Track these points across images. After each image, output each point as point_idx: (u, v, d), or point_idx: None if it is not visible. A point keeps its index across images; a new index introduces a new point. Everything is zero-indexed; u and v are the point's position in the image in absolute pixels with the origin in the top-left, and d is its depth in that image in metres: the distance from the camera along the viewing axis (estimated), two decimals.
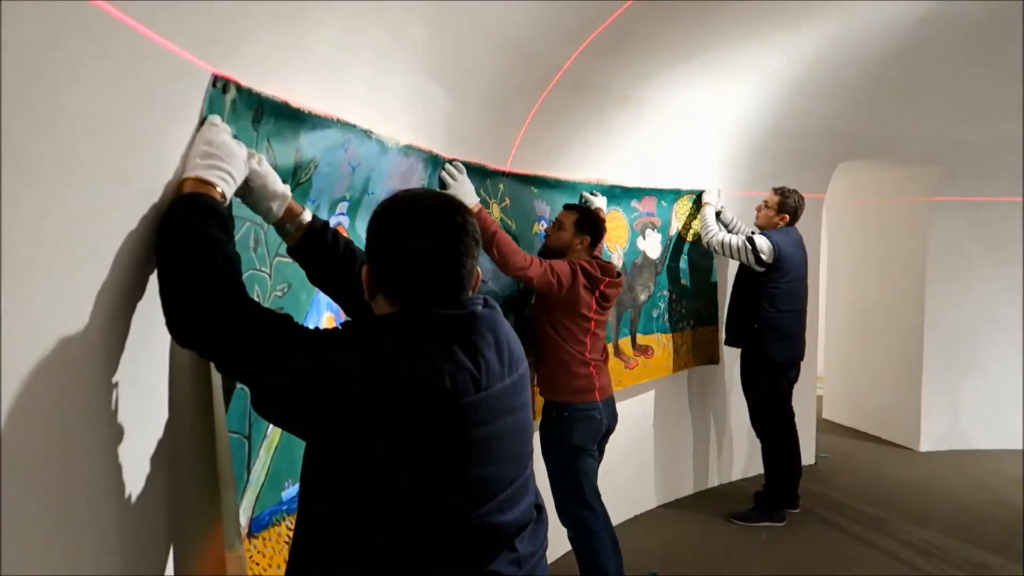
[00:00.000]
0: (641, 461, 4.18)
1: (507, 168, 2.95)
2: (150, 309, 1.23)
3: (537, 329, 2.95)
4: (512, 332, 1.30)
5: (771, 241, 3.93)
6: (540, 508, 1.31)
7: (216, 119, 1.33)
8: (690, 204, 4.25)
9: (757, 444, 4.25)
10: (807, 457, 4.77)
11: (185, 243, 1.19)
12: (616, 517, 3.13)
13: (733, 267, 4.32)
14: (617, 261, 3.72)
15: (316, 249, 1.48)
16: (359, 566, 1.13)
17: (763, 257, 3.92)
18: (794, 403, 4.18)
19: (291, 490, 1.67)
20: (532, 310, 3.02)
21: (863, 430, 5.86)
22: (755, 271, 3.99)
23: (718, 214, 4.24)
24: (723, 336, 4.37)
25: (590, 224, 2.95)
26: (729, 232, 4.17)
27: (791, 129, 4.50)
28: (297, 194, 1.65)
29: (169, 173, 1.25)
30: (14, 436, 0.92)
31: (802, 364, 4.20)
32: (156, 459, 1.34)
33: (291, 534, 1.60)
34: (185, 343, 1.20)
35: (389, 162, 2.08)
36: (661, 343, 4.08)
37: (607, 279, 2.91)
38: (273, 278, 1.64)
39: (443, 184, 2.45)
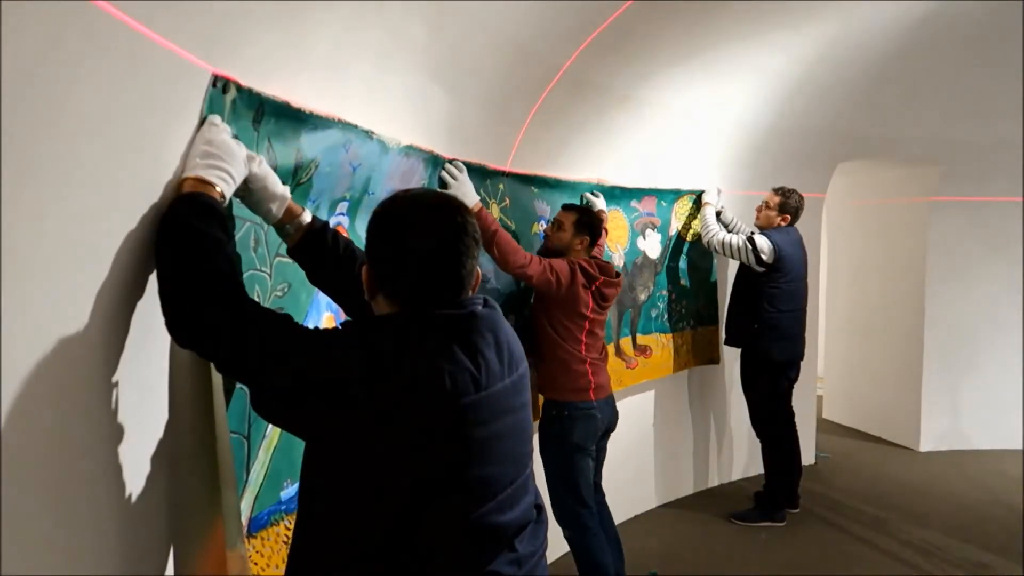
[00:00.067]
0: (641, 461, 4.18)
1: (507, 168, 2.95)
2: (150, 309, 1.23)
3: (536, 328, 2.95)
4: (512, 332, 1.30)
5: (771, 241, 3.93)
6: (540, 508, 1.31)
7: (216, 119, 1.33)
8: (690, 204, 4.25)
9: (757, 444, 4.25)
10: (807, 457, 4.78)
11: (185, 243, 1.19)
12: (616, 517, 3.14)
13: (733, 267, 4.32)
14: (618, 261, 3.72)
15: (316, 249, 1.48)
16: (359, 566, 1.13)
17: (763, 257, 3.92)
18: (794, 403, 4.18)
19: (290, 490, 1.67)
20: (531, 309, 3.03)
21: (863, 430, 5.86)
22: (755, 271, 3.99)
23: (718, 214, 4.24)
24: (723, 336, 4.37)
25: (589, 224, 2.96)
26: (729, 232, 4.17)
27: (791, 129, 4.50)
28: (297, 194, 1.66)
29: (169, 173, 1.25)
30: (14, 436, 0.92)
31: (802, 364, 4.20)
32: (156, 459, 1.34)
33: (290, 534, 1.60)
34: (185, 343, 1.20)
35: (390, 162, 2.08)
36: (660, 343, 4.08)
37: (605, 278, 2.92)
38: (273, 278, 1.64)
39: (443, 184, 2.45)
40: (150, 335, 1.28)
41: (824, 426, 5.80)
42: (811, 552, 3.73)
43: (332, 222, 1.90)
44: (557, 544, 2.95)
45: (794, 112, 4.36)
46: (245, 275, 1.51)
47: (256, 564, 1.55)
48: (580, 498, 2.85)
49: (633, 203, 3.85)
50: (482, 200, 2.67)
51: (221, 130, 1.32)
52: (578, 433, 2.85)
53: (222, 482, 1.53)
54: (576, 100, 3.08)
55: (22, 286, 0.92)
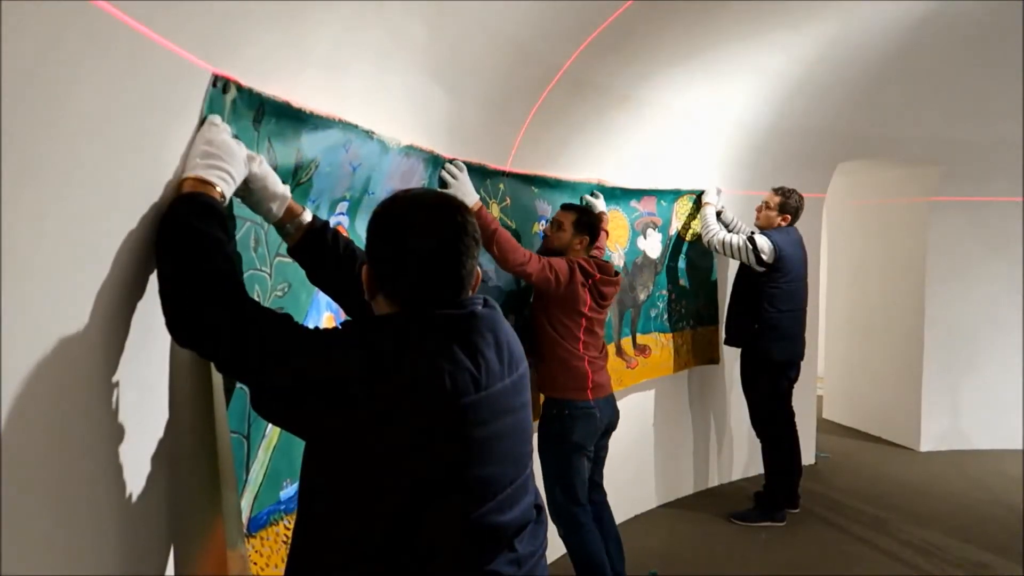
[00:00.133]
0: (641, 461, 4.18)
1: (507, 168, 2.95)
2: (150, 309, 1.23)
3: (536, 327, 2.96)
4: (512, 332, 1.30)
5: (771, 241, 3.93)
6: (540, 508, 1.31)
7: (216, 119, 1.33)
8: (691, 204, 4.25)
9: (757, 444, 4.25)
10: (807, 457, 4.78)
11: (185, 243, 1.19)
12: (617, 517, 3.14)
13: (733, 267, 4.32)
14: (618, 261, 3.72)
15: (316, 249, 1.48)
16: (359, 566, 1.13)
17: (763, 257, 3.93)
18: (794, 403, 4.18)
19: (289, 490, 1.67)
20: (530, 308, 3.03)
21: (863, 430, 5.86)
22: (755, 271, 3.99)
23: (718, 214, 4.24)
24: (723, 336, 4.37)
25: (588, 224, 2.98)
26: (730, 232, 4.17)
27: (791, 129, 4.50)
28: (297, 194, 1.66)
29: (169, 173, 1.25)
30: (14, 436, 0.92)
31: (802, 364, 4.20)
32: (156, 459, 1.34)
33: (289, 534, 1.61)
34: (185, 343, 1.20)
35: (390, 162, 2.08)
36: (659, 343, 4.08)
37: (604, 277, 2.93)
38: (273, 278, 1.64)
39: (443, 183, 2.45)
40: (150, 335, 1.28)
41: (824, 426, 5.80)
42: (811, 552, 3.73)
43: (332, 222, 1.91)
44: (557, 544, 2.95)
45: (794, 112, 4.36)
46: (245, 275, 1.51)
47: (256, 564, 1.55)
48: (574, 497, 2.87)
49: (633, 203, 3.85)
50: (483, 200, 2.68)
51: (221, 130, 1.32)
52: (578, 432, 2.86)
53: (222, 482, 1.53)
54: (576, 100, 3.08)
55: (22, 286, 0.92)
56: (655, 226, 4.02)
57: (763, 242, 3.92)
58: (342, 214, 1.99)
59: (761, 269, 3.96)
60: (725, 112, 4.12)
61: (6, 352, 0.90)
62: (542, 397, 2.99)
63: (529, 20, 2.46)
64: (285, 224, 1.45)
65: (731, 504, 4.27)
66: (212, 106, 1.34)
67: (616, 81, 3.23)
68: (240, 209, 1.48)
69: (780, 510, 4.07)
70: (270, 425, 1.58)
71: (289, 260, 1.55)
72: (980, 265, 5.36)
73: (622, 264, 3.77)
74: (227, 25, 1.33)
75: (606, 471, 3.13)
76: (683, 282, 4.26)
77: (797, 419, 4.18)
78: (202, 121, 1.32)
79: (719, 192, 4.26)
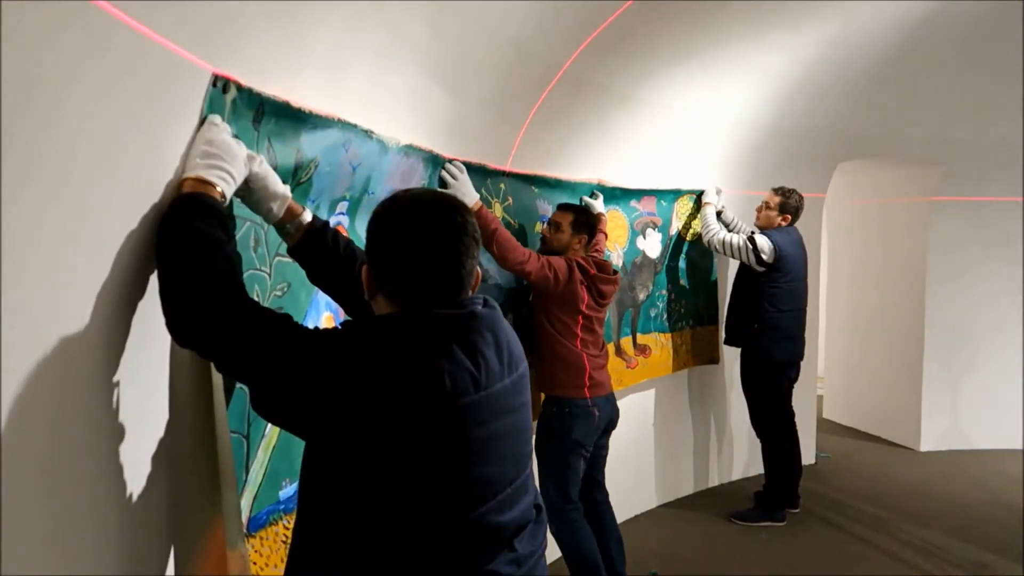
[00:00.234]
0: (641, 461, 4.18)
1: (507, 168, 2.95)
2: (150, 309, 1.23)
3: (535, 326, 2.97)
4: (512, 332, 1.30)
5: (772, 241, 3.93)
6: (539, 508, 1.31)
7: (216, 119, 1.33)
8: (691, 204, 4.25)
9: (757, 444, 4.25)
10: (807, 457, 4.77)
11: (185, 243, 1.19)
12: (617, 516, 3.14)
13: (733, 267, 4.32)
14: (617, 260, 3.73)
15: (316, 249, 1.48)
16: (358, 566, 1.13)
17: (764, 257, 3.93)
18: (794, 403, 4.18)
19: (288, 489, 1.67)
20: (529, 307, 3.04)
21: (863, 430, 5.86)
22: (755, 271, 3.99)
23: (719, 214, 4.24)
24: (723, 336, 4.37)
25: (586, 223, 3.00)
26: (730, 232, 4.18)
27: (791, 129, 4.50)
28: (297, 194, 1.66)
29: (169, 173, 1.25)
30: (14, 436, 0.92)
31: (802, 364, 4.20)
32: (156, 459, 1.34)
33: (288, 533, 1.61)
34: (185, 343, 1.20)
35: (389, 162, 2.08)
36: (659, 342, 4.08)
37: (603, 275, 2.94)
38: (273, 278, 1.65)
39: (443, 183, 2.46)
40: (150, 335, 1.28)
41: (824, 426, 5.79)
42: (811, 552, 3.73)
43: (332, 222, 1.91)
44: (557, 544, 2.95)
45: (794, 112, 4.36)
46: (245, 275, 1.51)
47: (255, 564, 1.55)
48: (567, 495, 2.88)
49: (633, 203, 3.85)
50: (485, 200, 2.69)
51: (221, 130, 1.32)
52: (577, 430, 2.87)
53: (222, 482, 1.53)
54: (576, 100, 3.08)
55: (22, 286, 0.92)
56: (655, 226, 4.02)
57: (763, 242, 3.92)
58: (342, 214, 1.99)
59: (761, 269, 3.96)
60: (725, 112, 4.12)
61: (6, 352, 0.90)
62: (542, 396, 2.99)
63: (529, 20, 2.46)
64: (285, 224, 1.45)
65: (731, 504, 4.27)
66: (212, 106, 1.34)
67: (616, 81, 3.23)
68: (240, 209, 1.48)
69: (780, 510, 4.07)
70: (270, 425, 1.58)
71: (289, 260, 1.55)
72: (980, 265, 5.36)
73: (621, 264, 3.77)
74: (227, 25, 1.33)
75: (607, 471, 3.13)
76: (683, 282, 4.26)
77: (797, 419, 4.18)
78: (202, 121, 1.32)
79: (719, 192, 4.26)
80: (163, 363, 1.37)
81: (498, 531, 1.18)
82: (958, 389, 5.41)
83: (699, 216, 4.23)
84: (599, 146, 3.47)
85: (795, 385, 4.17)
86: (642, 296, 3.94)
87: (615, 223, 3.70)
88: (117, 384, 1.19)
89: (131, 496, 1.25)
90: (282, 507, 1.65)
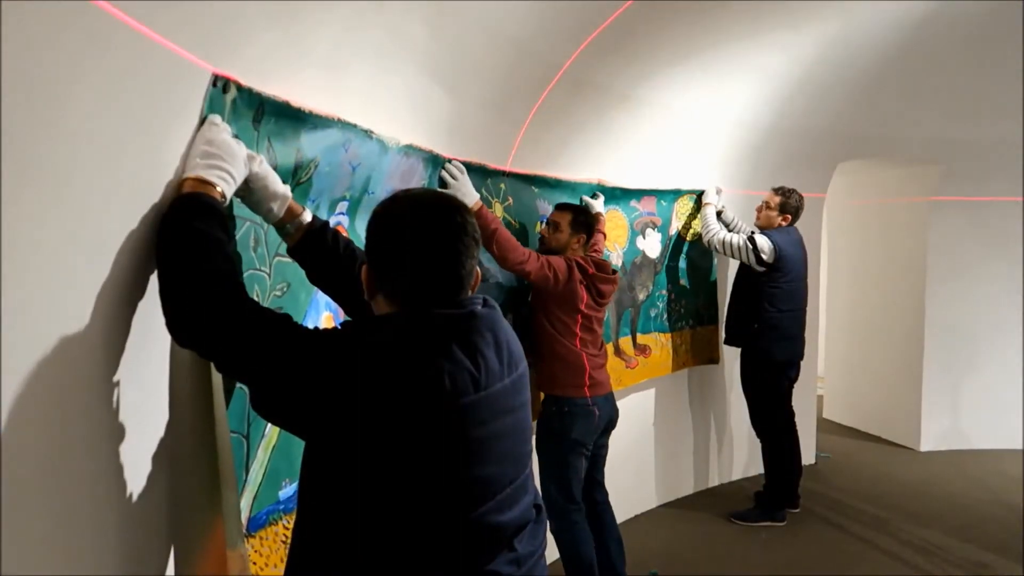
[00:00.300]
0: (641, 460, 4.18)
1: (507, 168, 2.96)
2: (150, 309, 1.23)
3: (534, 325, 2.98)
4: (511, 331, 1.30)
5: (772, 241, 3.93)
6: (539, 508, 1.31)
7: (216, 118, 1.33)
8: (691, 204, 4.25)
9: (757, 444, 4.25)
10: (807, 457, 4.78)
11: (185, 243, 1.19)
12: (617, 516, 3.14)
13: (733, 267, 4.32)
14: (616, 260, 3.73)
15: (316, 249, 1.48)
16: (358, 566, 1.13)
17: (764, 257, 3.93)
18: (794, 403, 4.18)
19: (288, 489, 1.67)
20: (529, 307, 3.04)
21: (863, 430, 5.86)
22: (755, 271, 3.99)
23: (719, 213, 4.24)
24: (723, 336, 4.38)
25: (585, 222, 3.01)
26: (730, 232, 4.18)
27: (791, 129, 4.50)
28: (297, 194, 1.66)
29: (169, 173, 1.25)
30: (14, 436, 0.92)
31: (802, 364, 4.20)
32: (156, 459, 1.34)
33: (288, 533, 1.61)
34: (185, 343, 1.20)
35: (389, 162, 2.08)
36: (659, 342, 4.08)
37: (601, 274, 2.95)
38: (272, 278, 1.65)
39: (443, 183, 2.46)
40: (150, 335, 1.28)
41: (824, 426, 5.79)
42: (811, 552, 3.73)
43: (332, 222, 1.91)
44: (555, 543, 2.95)
45: (794, 112, 4.36)
46: (245, 275, 1.51)
47: (255, 564, 1.55)
48: (570, 494, 2.87)
49: (633, 202, 3.85)
50: (485, 200, 2.69)
51: (221, 129, 1.32)
52: (577, 429, 2.87)
53: (222, 482, 1.53)
54: (576, 100, 3.08)
55: (22, 286, 0.92)
56: (655, 226, 4.02)
57: (763, 242, 3.92)
58: (342, 214, 1.99)
59: (761, 269, 3.96)
60: (725, 112, 4.12)
61: (6, 352, 0.90)
62: (541, 395, 2.99)
63: (529, 20, 2.46)
64: (285, 224, 1.45)
65: (731, 504, 4.27)
66: (212, 106, 1.34)
67: (616, 81, 3.23)
68: (240, 209, 1.48)
69: (780, 510, 4.07)
70: (269, 425, 1.58)
71: (288, 260, 1.55)
72: (980, 265, 5.36)
73: (620, 264, 3.77)
74: (227, 25, 1.33)
75: (607, 470, 3.13)
76: (683, 282, 4.26)
77: (797, 419, 4.18)
78: (202, 121, 1.32)
79: (719, 192, 4.26)
80: (163, 363, 1.37)
81: (498, 531, 1.18)
82: (958, 389, 5.41)
83: (699, 216, 4.23)
84: (599, 146, 3.47)
85: (795, 385, 4.17)
86: (642, 296, 3.94)
87: (615, 223, 3.70)
88: (117, 384, 1.19)
89: (131, 496, 1.25)
90: (282, 507, 1.65)
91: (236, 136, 1.37)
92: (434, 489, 1.13)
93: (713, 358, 4.51)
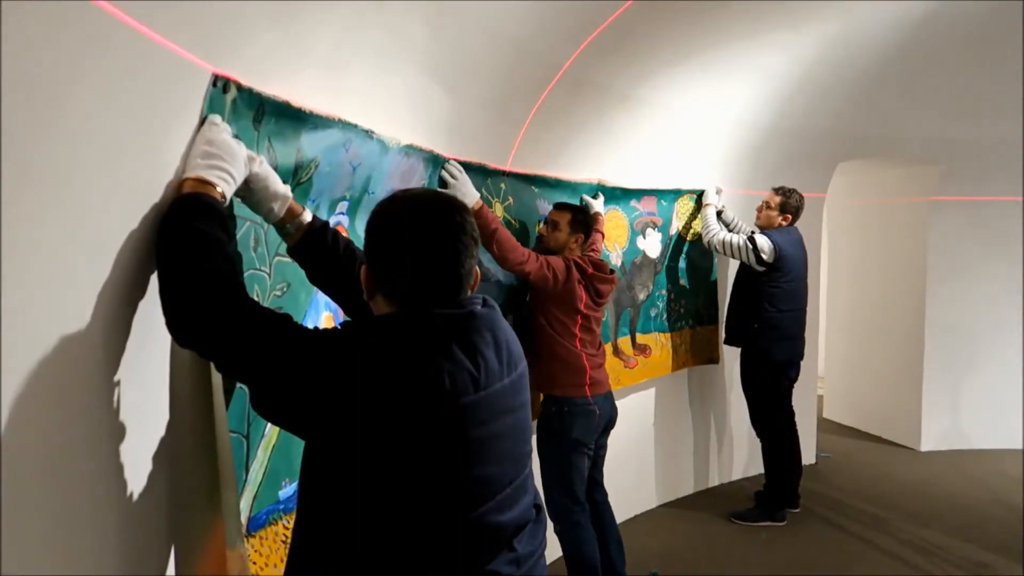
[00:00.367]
0: (641, 460, 4.18)
1: (507, 168, 2.96)
2: (151, 309, 1.23)
3: (533, 326, 2.98)
4: (511, 331, 1.30)
5: (772, 241, 3.94)
6: (539, 508, 1.31)
7: (216, 118, 1.33)
8: (691, 204, 4.25)
9: (757, 444, 4.25)
10: (807, 457, 4.77)
11: (185, 243, 1.19)
12: (617, 516, 3.14)
13: (733, 267, 4.32)
14: (615, 260, 3.73)
15: (316, 249, 1.48)
16: (358, 566, 1.13)
17: (764, 257, 3.93)
18: (794, 403, 4.18)
19: (288, 489, 1.67)
20: (528, 307, 3.04)
21: (864, 430, 5.86)
22: (755, 271, 3.99)
23: (719, 213, 4.24)
24: (723, 335, 4.38)
25: (583, 222, 3.01)
26: (731, 232, 4.18)
27: (791, 129, 4.50)
28: (297, 194, 1.66)
29: (169, 173, 1.25)
30: (14, 436, 0.92)
31: (802, 364, 4.20)
32: (156, 459, 1.34)
33: (288, 533, 1.61)
34: (185, 343, 1.20)
35: (390, 162, 2.08)
36: (659, 342, 4.09)
37: (599, 274, 2.96)
38: (272, 277, 1.65)
39: (443, 184, 2.46)
40: (151, 335, 1.28)
41: (824, 426, 5.79)
42: (811, 552, 3.73)
43: (332, 222, 1.91)
44: (556, 544, 2.95)
45: (794, 112, 4.36)
46: (245, 274, 1.51)
47: (255, 563, 1.55)
48: (573, 495, 2.87)
49: (633, 203, 3.85)
50: (485, 200, 2.70)
51: (221, 129, 1.32)
52: (577, 429, 2.87)
53: (222, 482, 1.53)
54: (576, 100, 3.08)
55: (22, 286, 0.92)
56: (655, 226, 4.02)
57: (763, 242, 3.93)
58: (342, 214, 1.99)
59: (761, 269, 3.96)
60: (725, 112, 4.12)
61: (6, 352, 0.90)
62: (541, 396, 2.99)
63: (529, 20, 2.46)
64: (285, 224, 1.45)
65: (731, 504, 4.27)
66: (212, 106, 1.34)
67: (616, 81, 3.23)
68: (240, 209, 1.48)
69: (780, 510, 4.07)
70: (269, 425, 1.58)
71: (288, 260, 1.55)
72: (980, 265, 5.36)
73: (620, 264, 3.77)
74: (227, 25, 1.33)
75: (606, 470, 3.13)
76: (683, 282, 4.26)
77: (797, 419, 4.18)
78: (202, 121, 1.32)
79: (719, 192, 4.26)
80: (163, 363, 1.37)
81: (498, 531, 1.18)
82: (958, 389, 5.41)
83: (699, 216, 4.23)
84: (599, 146, 3.47)
85: (795, 385, 4.17)
86: (642, 296, 3.95)
87: (615, 223, 3.70)
88: (117, 384, 1.19)
89: (131, 496, 1.25)
90: (282, 507, 1.65)
91: (236, 136, 1.37)
92: (434, 489, 1.13)
93: (713, 358, 4.51)
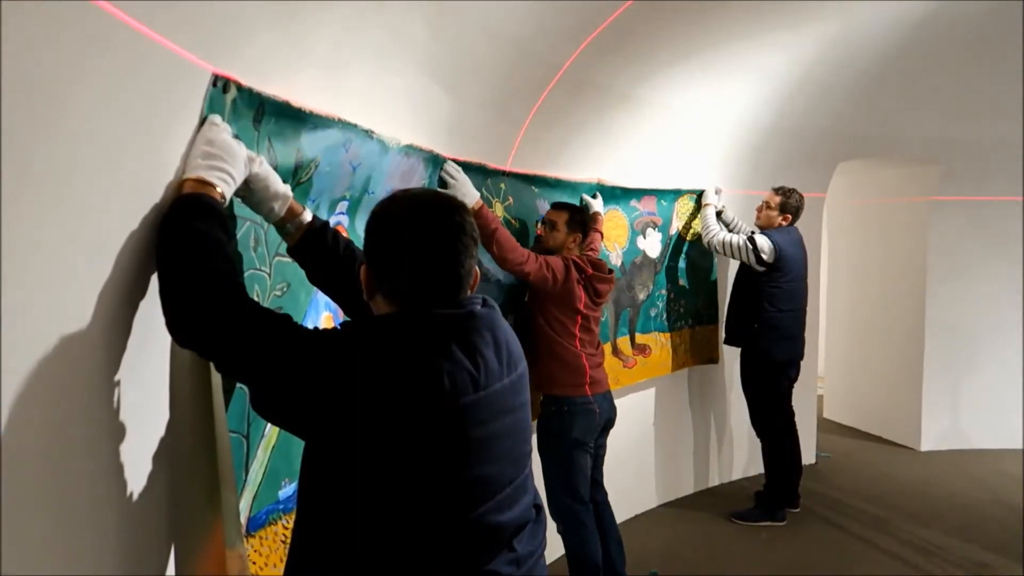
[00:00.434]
0: (642, 460, 4.18)
1: (507, 168, 2.96)
2: (151, 309, 1.23)
3: (533, 326, 2.98)
4: (511, 331, 1.30)
5: (772, 241, 3.94)
6: (539, 508, 1.31)
7: (216, 118, 1.33)
8: (691, 204, 4.25)
9: (757, 443, 4.25)
10: (807, 456, 4.78)
11: (185, 243, 1.19)
12: (617, 516, 3.14)
13: (733, 267, 4.32)
14: (616, 260, 3.73)
15: (316, 249, 1.48)
16: (358, 566, 1.13)
17: (764, 256, 3.93)
18: (794, 403, 4.18)
19: (288, 489, 1.67)
20: (527, 306, 3.04)
21: (864, 429, 5.86)
22: (755, 271, 3.99)
23: (719, 213, 4.24)
24: (723, 335, 4.38)
25: (581, 221, 3.02)
26: (731, 232, 4.18)
27: (791, 129, 4.50)
28: (297, 193, 1.66)
29: (169, 173, 1.25)
30: (14, 436, 0.92)
31: (802, 364, 4.20)
32: (156, 459, 1.34)
33: (287, 533, 1.61)
34: (185, 343, 1.20)
35: (390, 162, 2.08)
36: (659, 342, 4.09)
37: (598, 274, 2.96)
38: (272, 277, 1.65)
39: (443, 184, 2.46)
40: (151, 335, 1.28)
41: (824, 425, 5.79)
42: (811, 552, 3.73)
43: (332, 221, 1.91)
44: (556, 544, 2.95)
45: (794, 112, 4.36)
46: (245, 274, 1.51)
47: (255, 563, 1.55)
48: (577, 495, 2.87)
49: (633, 202, 3.86)
50: (485, 200, 2.70)
51: (222, 130, 1.32)
52: (578, 428, 2.87)
53: (222, 482, 1.53)
54: (576, 100, 3.09)
55: (22, 286, 0.92)
56: (655, 226, 4.02)
57: (763, 242, 3.93)
58: (342, 214, 1.99)
59: (761, 269, 3.96)
60: (725, 112, 4.12)
61: (6, 352, 0.90)
62: (540, 396, 2.99)
63: (529, 20, 2.46)
64: (285, 224, 1.45)
65: (732, 504, 4.27)
66: (212, 106, 1.34)
67: (616, 81, 3.23)
68: (240, 209, 1.48)
69: (780, 509, 4.07)
70: (269, 425, 1.58)
71: (288, 260, 1.55)
72: (980, 265, 5.36)
73: (620, 263, 3.77)
74: (227, 25, 1.33)
75: (606, 470, 3.14)
76: (683, 282, 4.26)
77: (797, 419, 4.18)
78: (202, 121, 1.32)
79: (718, 192, 4.26)
80: (163, 363, 1.37)
81: (497, 531, 1.18)
82: (958, 389, 5.41)
83: (699, 217, 4.23)
84: (599, 146, 3.47)
85: (795, 385, 4.17)
86: (642, 296, 3.95)
87: (615, 223, 3.70)
88: (117, 384, 1.19)
89: (131, 496, 1.25)
90: (281, 507, 1.65)
91: (236, 136, 1.37)
92: (434, 489, 1.13)
93: (713, 358, 4.51)
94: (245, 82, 1.41)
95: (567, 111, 3.09)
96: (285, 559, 1.27)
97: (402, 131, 2.11)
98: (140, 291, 1.24)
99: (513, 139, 2.92)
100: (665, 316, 4.12)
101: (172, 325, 1.18)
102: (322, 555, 1.16)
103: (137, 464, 1.27)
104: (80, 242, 1.06)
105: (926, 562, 3.60)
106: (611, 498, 3.12)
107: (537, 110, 2.91)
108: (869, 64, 4.11)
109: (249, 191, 1.38)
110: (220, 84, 1.35)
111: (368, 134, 1.91)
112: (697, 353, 4.40)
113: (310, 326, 1.24)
